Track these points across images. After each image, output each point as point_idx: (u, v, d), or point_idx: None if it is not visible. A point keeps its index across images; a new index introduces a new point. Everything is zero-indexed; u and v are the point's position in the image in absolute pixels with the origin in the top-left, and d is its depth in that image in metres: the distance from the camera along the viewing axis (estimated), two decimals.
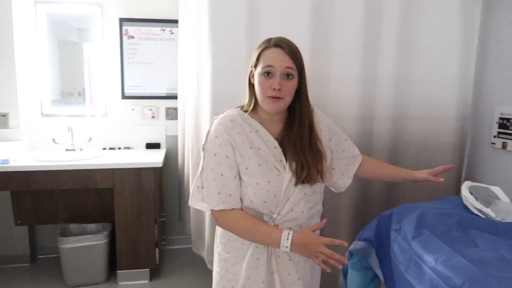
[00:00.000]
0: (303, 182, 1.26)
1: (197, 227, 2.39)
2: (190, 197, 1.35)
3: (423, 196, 2.03)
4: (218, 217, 1.28)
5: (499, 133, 1.97)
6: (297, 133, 1.28)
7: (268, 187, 1.24)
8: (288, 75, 1.22)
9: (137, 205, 2.49)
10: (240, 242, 1.31)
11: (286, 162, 1.27)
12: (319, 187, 1.34)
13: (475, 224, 1.40)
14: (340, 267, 1.17)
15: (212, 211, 1.28)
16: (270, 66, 1.20)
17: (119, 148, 2.95)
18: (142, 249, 2.55)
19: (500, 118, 1.96)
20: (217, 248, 1.42)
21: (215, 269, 1.41)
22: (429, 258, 1.26)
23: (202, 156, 1.30)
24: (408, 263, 1.37)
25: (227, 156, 1.24)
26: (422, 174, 1.44)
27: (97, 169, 2.42)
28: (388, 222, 1.58)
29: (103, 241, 2.54)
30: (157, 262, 2.60)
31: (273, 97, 1.21)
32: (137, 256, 2.55)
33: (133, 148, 2.99)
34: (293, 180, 1.26)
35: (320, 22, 1.96)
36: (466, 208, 1.55)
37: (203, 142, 1.31)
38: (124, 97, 2.94)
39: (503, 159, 1.96)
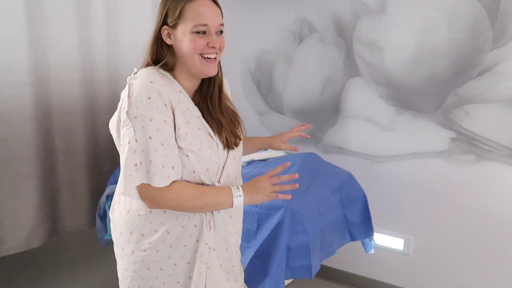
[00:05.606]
0: (229, 147, 1.15)
1: None
2: (125, 180, 1.00)
3: None
4: (159, 196, 1.02)
5: None
6: (206, 93, 1.14)
7: (210, 153, 1.09)
8: (221, 32, 1.09)
9: None
10: (165, 230, 1.10)
11: (210, 129, 1.12)
12: (240, 149, 1.22)
13: (270, 166, 1.91)
14: (295, 185, 1.11)
15: (150, 191, 1.01)
16: (205, 25, 1.03)
17: None
18: None
19: None
20: (127, 252, 1.14)
21: (129, 274, 1.14)
22: None
23: (127, 126, 0.99)
24: None
25: (165, 121, 1.00)
26: (276, 143, 1.40)
27: None
28: None
29: None
30: None
31: (209, 59, 1.06)
32: None
33: None
34: (221, 146, 1.14)
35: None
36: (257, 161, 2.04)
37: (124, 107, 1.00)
38: None
39: None
